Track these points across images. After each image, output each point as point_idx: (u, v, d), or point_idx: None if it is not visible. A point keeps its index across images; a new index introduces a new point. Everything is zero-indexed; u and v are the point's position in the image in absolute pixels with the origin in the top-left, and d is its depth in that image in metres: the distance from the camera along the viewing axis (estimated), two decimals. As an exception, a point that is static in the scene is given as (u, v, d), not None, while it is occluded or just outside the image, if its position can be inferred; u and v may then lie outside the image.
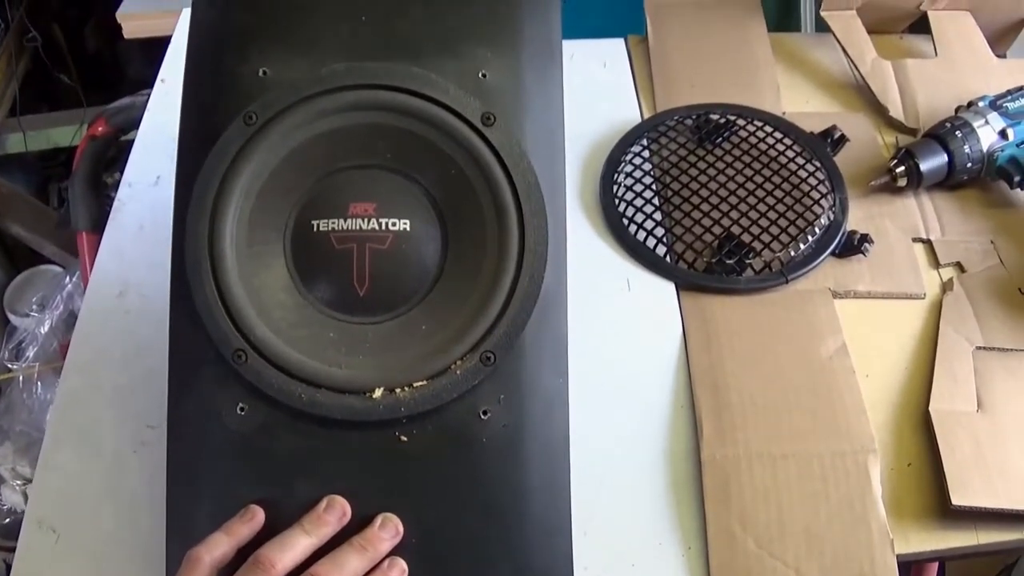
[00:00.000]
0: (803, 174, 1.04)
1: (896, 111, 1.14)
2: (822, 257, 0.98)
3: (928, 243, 1.03)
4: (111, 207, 1.09)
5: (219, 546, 0.63)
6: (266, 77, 0.70)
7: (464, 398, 0.67)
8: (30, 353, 1.86)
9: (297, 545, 0.63)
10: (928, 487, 0.85)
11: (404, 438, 0.67)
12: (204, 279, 0.66)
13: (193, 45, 0.73)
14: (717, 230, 0.99)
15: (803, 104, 1.17)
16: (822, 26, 1.30)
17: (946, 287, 0.99)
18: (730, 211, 1.01)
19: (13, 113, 2.03)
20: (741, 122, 1.09)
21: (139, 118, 1.19)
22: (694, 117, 1.10)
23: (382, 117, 0.69)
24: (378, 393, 0.66)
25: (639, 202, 1.03)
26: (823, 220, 1.00)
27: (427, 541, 0.67)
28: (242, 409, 0.67)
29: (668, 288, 0.97)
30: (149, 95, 1.20)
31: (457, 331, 0.67)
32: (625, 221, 1.01)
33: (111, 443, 0.86)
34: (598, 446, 0.84)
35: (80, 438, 0.87)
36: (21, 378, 1.82)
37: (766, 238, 0.98)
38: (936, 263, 1.02)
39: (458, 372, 0.66)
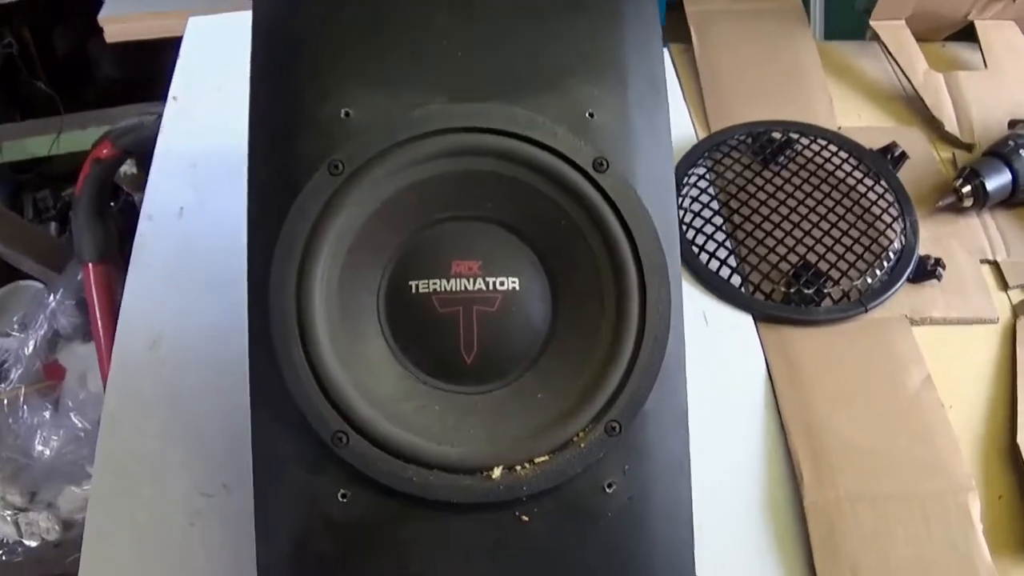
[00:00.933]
0: (872, 196, 0.99)
1: (951, 125, 1.11)
2: (899, 284, 0.94)
3: (995, 264, 1.00)
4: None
5: None
6: (350, 119, 0.62)
7: (587, 472, 0.61)
8: (14, 375, 1.76)
9: None
10: (1021, 520, 0.82)
11: (525, 518, 0.61)
12: (295, 356, 0.59)
13: (258, 81, 0.65)
14: (792, 258, 0.94)
15: (856, 118, 1.13)
16: (830, 34, 1.26)
17: (1017, 311, 0.96)
18: (804, 237, 0.96)
19: (-15, 122, 1.94)
20: (804, 141, 1.04)
21: (147, 138, 1.11)
22: (755, 136, 1.05)
23: (482, 163, 0.62)
24: (497, 472, 0.60)
25: (709, 229, 0.98)
26: (896, 245, 0.96)
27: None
28: (344, 496, 0.60)
29: (746, 320, 0.93)
30: (159, 114, 1.12)
31: (577, 399, 0.61)
32: (695, 249, 0.96)
33: (163, 517, 0.79)
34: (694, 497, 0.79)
35: (128, 515, 0.79)
36: (6, 401, 1.73)
37: (843, 266, 0.94)
38: (1004, 285, 0.98)
39: (582, 445, 0.60)
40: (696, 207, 0.99)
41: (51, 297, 1.79)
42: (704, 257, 0.96)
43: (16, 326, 1.84)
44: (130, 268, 0.97)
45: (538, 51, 0.65)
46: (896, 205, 0.99)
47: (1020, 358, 0.91)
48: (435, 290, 0.62)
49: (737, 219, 0.98)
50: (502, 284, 0.62)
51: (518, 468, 0.60)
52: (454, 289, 0.62)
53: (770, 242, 0.95)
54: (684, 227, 0.98)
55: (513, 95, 0.63)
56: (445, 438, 0.60)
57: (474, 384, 0.63)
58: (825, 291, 0.92)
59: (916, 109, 1.14)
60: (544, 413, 0.62)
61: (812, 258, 0.94)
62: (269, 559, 0.62)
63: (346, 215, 0.60)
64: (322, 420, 0.59)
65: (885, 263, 0.94)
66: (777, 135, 1.05)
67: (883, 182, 1.01)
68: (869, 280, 0.93)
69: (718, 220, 0.98)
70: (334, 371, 0.59)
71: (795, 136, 1.05)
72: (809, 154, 1.03)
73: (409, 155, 0.61)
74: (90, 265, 1.23)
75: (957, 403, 0.88)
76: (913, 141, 1.09)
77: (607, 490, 0.61)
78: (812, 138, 1.04)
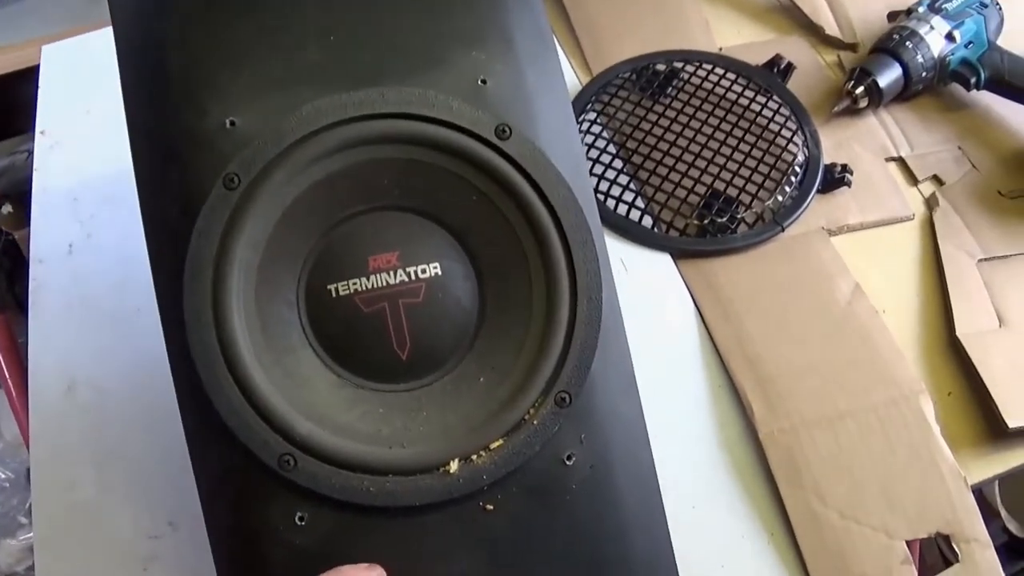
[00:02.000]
0: (768, 113, 0.99)
1: (831, 28, 1.10)
2: (810, 197, 0.93)
3: (900, 160, 1.00)
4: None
5: None
6: (236, 128, 0.58)
7: (545, 448, 0.59)
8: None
9: None
10: (974, 414, 0.83)
11: (490, 507, 0.59)
12: (225, 387, 0.56)
13: (133, 107, 0.61)
14: (700, 189, 0.93)
15: (736, 36, 1.11)
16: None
17: (930, 203, 0.96)
18: (707, 166, 0.95)
19: None
20: (689, 68, 1.03)
21: (21, 179, 1.06)
22: (638, 71, 1.04)
23: (383, 151, 0.59)
24: (454, 466, 0.58)
25: (611, 174, 0.96)
26: (800, 158, 0.95)
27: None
28: (301, 519, 0.57)
29: (665, 260, 0.91)
30: (29, 151, 1.07)
31: (522, 376, 0.59)
32: (601, 196, 0.94)
33: (115, 568, 0.75)
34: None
35: (77, 571, 0.76)
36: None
37: (752, 188, 0.93)
38: (913, 180, 0.98)
39: (535, 422, 0.59)
40: (594, 153, 0.97)
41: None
42: (611, 203, 0.94)
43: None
44: (30, 315, 0.92)
45: (417, 24, 0.63)
46: (793, 118, 0.99)
47: (943, 250, 0.91)
48: (356, 290, 0.59)
49: (637, 159, 0.96)
50: (424, 272, 0.60)
51: (474, 458, 0.58)
52: (375, 286, 0.60)
53: (675, 177, 0.94)
54: (588, 176, 0.96)
55: (401, 75, 0.61)
56: (395, 440, 0.58)
57: (414, 379, 0.61)
58: (739, 216, 0.91)
59: (794, 17, 1.13)
60: (491, 396, 0.60)
61: (720, 185, 0.93)
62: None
63: (251, 229, 0.58)
64: (265, 446, 0.56)
65: (793, 178, 0.94)
66: (661, 67, 1.03)
67: (775, 97, 1.00)
68: (780, 198, 0.93)
69: (618, 164, 0.96)
70: (268, 394, 0.57)
71: (679, 65, 1.03)
72: (697, 81, 1.02)
73: (305, 154, 0.58)
74: (-17, 318, 1.18)
75: (890, 307, 0.88)
76: (797, 50, 1.08)
77: (567, 463, 0.60)
78: (697, 64, 1.03)
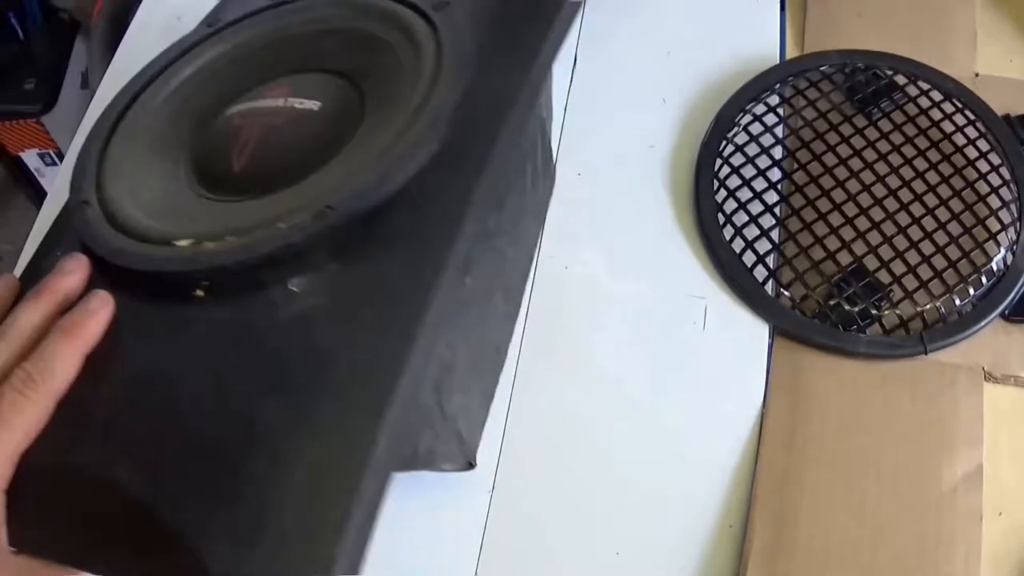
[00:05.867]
0: (984, 187, 0.73)
1: None
2: (985, 320, 0.69)
3: None
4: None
5: None
6: None
7: (278, 264, 0.54)
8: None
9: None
10: None
11: (200, 293, 0.56)
12: (91, 142, 0.65)
13: None
14: (844, 258, 0.71)
15: (1005, 63, 0.84)
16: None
17: None
18: (869, 231, 0.71)
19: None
20: (913, 89, 0.78)
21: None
22: (851, 70, 0.79)
23: (335, 20, 0.67)
24: (184, 243, 0.57)
25: (745, 194, 0.74)
26: (997, 264, 0.71)
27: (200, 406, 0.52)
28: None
29: (759, 331, 0.70)
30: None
31: (311, 198, 0.56)
32: (721, 218, 0.73)
33: None
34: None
35: None
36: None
37: (912, 282, 0.70)
38: None
39: (281, 225, 0.54)
40: (740, 160, 0.75)
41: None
42: (729, 232, 0.73)
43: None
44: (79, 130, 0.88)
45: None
46: (1016, 204, 0.73)
47: None
48: (240, 111, 0.64)
49: (790, 188, 0.74)
50: (301, 104, 0.63)
51: (208, 243, 0.57)
52: (254, 108, 0.64)
53: (821, 229, 0.72)
54: (717, 185, 0.75)
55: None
56: (162, 218, 0.60)
57: (236, 194, 0.61)
58: (875, 313, 0.69)
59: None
60: (274, 209, 0.57)
61: (872, 263, 0.70)
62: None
63: (207, 59, 0.69)
64: (79, 190, 0.62)
65: (972, 288, 0.69)
66: (881, 73, 0.78)
67: (1006, 168, 0.74)
68: (942, 308, 0.69)
69: (762, 184, 0.74)
70: (113, 159, 0.64)
71: (903, 80, 0.78)
72: (914, 109, 0.77)
73: (271, 15, 0.69)
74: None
75: (1011, 509, 0.65)
76: (1081, 109, 0.80)
77: (290, 287, 0.54)
78: (925, 87, 0.78)
